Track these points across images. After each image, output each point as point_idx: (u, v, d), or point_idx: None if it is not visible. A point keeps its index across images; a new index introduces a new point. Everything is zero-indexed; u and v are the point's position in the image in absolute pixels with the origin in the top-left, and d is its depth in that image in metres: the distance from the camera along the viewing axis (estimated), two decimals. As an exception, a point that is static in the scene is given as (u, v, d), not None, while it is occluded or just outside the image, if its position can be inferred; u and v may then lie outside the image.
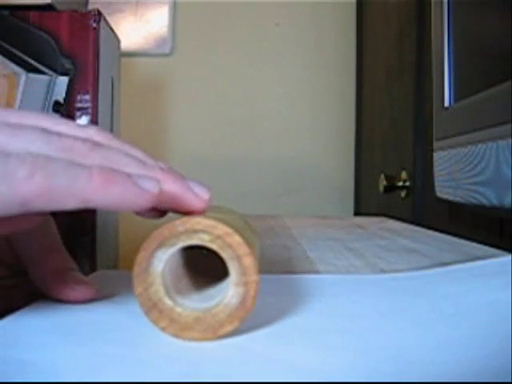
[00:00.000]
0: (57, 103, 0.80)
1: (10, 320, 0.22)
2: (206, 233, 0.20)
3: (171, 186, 0.22)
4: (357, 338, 0.21)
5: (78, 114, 0.81)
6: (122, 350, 0.19)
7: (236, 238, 0.20)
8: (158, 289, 0.20)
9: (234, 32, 1.52)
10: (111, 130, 0.93)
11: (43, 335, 0.20)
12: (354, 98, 1.48)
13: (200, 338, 0.20)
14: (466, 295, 0.27)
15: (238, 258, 0.20)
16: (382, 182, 1.03)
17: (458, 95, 0.63)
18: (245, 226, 0.25)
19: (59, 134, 0.21)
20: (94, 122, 0.83)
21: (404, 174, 1.00)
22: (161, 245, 0.20)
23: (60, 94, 0.81)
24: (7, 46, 0.80)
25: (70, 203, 0.19)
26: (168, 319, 0.20)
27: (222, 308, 0.20)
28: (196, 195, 0.22)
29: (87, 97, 0.81)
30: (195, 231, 0.20)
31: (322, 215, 1.06)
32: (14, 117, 0.22)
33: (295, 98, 1.51)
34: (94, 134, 0.23)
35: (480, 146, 0.53)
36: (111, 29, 0.91)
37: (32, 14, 0.79)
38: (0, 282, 0.28)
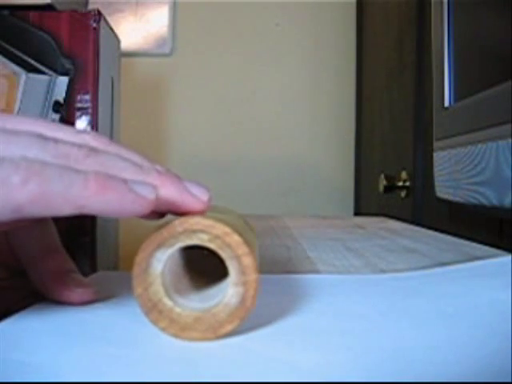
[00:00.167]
0: (57, 103, 0.80)
1: (9, 322, 0.22)
2: (205, 233, 0.20)
3: (169, 190, 0.22)
4: (357, 338, 0.21)
5: (77, 114, 0.81)
6: (122, 350, 0.19)
7: (235, 238, 0.20)
8: (158, 289, 0.20)
9: (234, 32, 1.52)
10: (111, 130, 0.93)
11: (43, 337, 0.20)
12: (354, 98, 1.48)
13: (200, 338, 0.20)
14: (466, 295, 0.27)
15: (237, 258, 0.20)
16: (382, 182, 1.03)
17: (458, 95, 0.63)
18: (244, 226, 0.25)
19: (55, 140, 0.21)
20: (93, 122, 0.83)
21: (404, 174, 1.00)
22: (160, 245, 0.20)
23: (60, 94, 0.81)
24: (7, 46, 0.80)
25: (65, 209, 0.19)
26: (168, 319, 0.20)
27: (222, 308, 0.20)
28: (195, 197, 0.22)
29: (87, 97, 0.81)
30: (194, 231, 0.20)
31: (322, 215, 1.06)
32: (10, 123, 0.22)
33: (295, 98, 1.51)
34: (90, 139, 0.23)
35: (480, 146, 0.53)
36: (111, 29, 0.91)
37: (32, 14, 0.79)
38: (4, 283, 0.28)
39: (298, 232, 0.62)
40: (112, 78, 0.93)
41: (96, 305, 0.25)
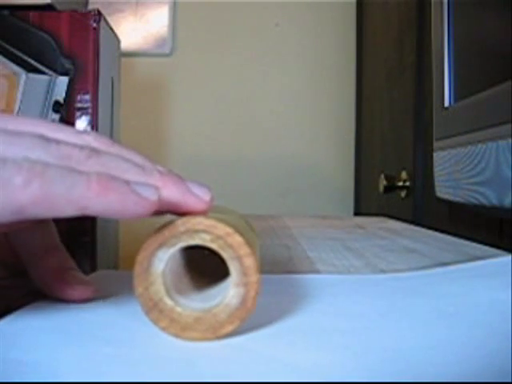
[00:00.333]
0: (57, 103, 0.80)
1: (7, 321, 0.22)
2: (207, 233, 0.20)
3: (171, 191, 0.22)
4: (357, 338, 0.21)
5: (77, 114, 0.81)
6: (121, 350, 0.19)
7: (237, 239, 0.20)
8: (159, 289, 0.20)
9: (234, 32, 1.52)
10: (111, 130, 0.93)
11: (42, 336, 0.20)
12: (354, 98, 1.48)
13: (200, 338, 0.20)
14: (466, 295, 0.27)
15: (239, 259, 0.20)
16: (382, 182, 1.03)
17: (458, 95, 0.63)
18: (245, 226, 0.25)
19: (57, 142, 0.21)
20: (93, 122, 0.83)
21: (404, 174, 1.00)
22: (162, 245, 0.20)
23: (60, 94, 0.81)
24: (7, 46, 0.80)
25: (68, 210, 0.19)
26: (168, 319, 0.20)
27: (223, 308, 0.20)
28: (197, 197, 0.22)
29: (87, 97, 0.81)
30: (196, 231, 0.20)
31: (322, 215, 1.06)
32: (12, 123, 0.22)
33: (295, 98, 1.51)
34: (91, 140, 0.23)
35: (480, 146, 0.53)
36: (111, 29, 0.91)
37: (32, 14, 0.79)
38: (4, 282, 0.28)
39: (298, 232, 0.62)
40: (112, 78, 0.93)
41: (95, 303, 0.25)
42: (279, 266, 0.39)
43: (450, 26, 0.64)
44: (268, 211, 1.37)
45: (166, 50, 1.51)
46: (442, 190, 0.65)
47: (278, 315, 0.23)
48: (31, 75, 0.78)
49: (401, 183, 1.00)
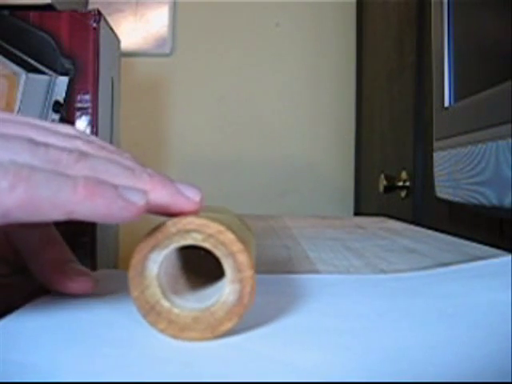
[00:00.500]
0: (57, 103, 0.80)
1: (7, 321, 0.22)
2: (199, 232, 0.20)
3: (161, 193, 0.22)
4: (356, 338, 0.21)
5: (77, 114, 0.81)
6: (121, 350, 0.19)
7: (229, 236, 0.20)
8: (155, 291, 0.20)
9: (234, 32, 1.52)
10: (111, 130, 0.93)
11: (42, 337, 0.20)
12: (354, 98, 1.48)
13: (199, 338, 0.20)
14: (466, 295, 0.27)
15: (232, 255, 0.20)
16: (382, 182, 1.04)
17: (458, 95, 0.63)
18: (239, 224, 0.25)
19: (46, 145, 0.21)
20: (93, 122, 0.83)
21: (404, 174, 1.00)
22: (154, 247, 0.20)
23: (60, 94, 0.81)
24: (7, 46, 0.80)
25: (53, 215, 0.19)
26: (166, 321, 0.20)
27: (220, 306, 0.20)
28: (187, 198, 0.22)
29: (87, 97, 0.81)
30: (187, 231, 0.20)
31: (322, 215, 1.06)
32: (1, 126, 0.22)
33: (295, 98, 1.52)
34: (81, 143, 0.23)
35: (480, 145, 0.53)
36: (111, 29, 0.91)
37: (32, 14, 0.79)
38: (0, 279, 0.28)
39: (298, 232, 0.62)
40: (112, 78, 0.93)
41: (96, 303, 0.25)
42: (279, 266, 0.39)
43: (450, 25, 0.64)
44: (268, 211, 1.37)
45: (166, 50, 1.51)
46: (442, 190, 0.65)
47: (277, 315, 0.23)
48: (31, 75, 0.78)
49: (401, 183, 1.00)
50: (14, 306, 0.24)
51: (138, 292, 0.20)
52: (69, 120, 0.81)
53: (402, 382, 0.16)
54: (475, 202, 0.54)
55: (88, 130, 0.83)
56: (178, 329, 0.20)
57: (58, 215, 0.19)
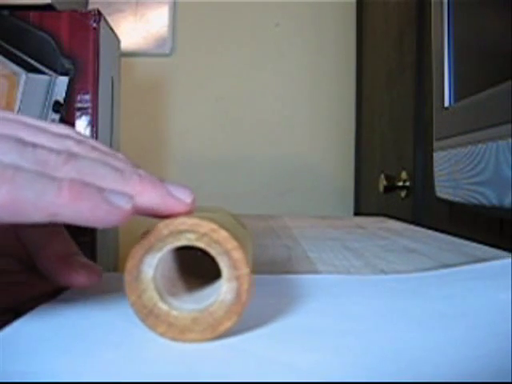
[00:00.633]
0: (57, 103, 0.80)
1: (10, 330, 0.22)
2: (192, 232, 0.20)
3: (151, 195, 0.22)
4: (357, 339, 0.21)
5: (77, 114, 0.81)
6: (122, 356, 0.19)
7: (222, 233, 0.20)
8: (152, 295, 0.20)
9: (234, 32, 1.52)
10: (111, 130, 0.93)
11: (44, 346, 0.20)
12: (354, 98, 1.49)
13: (200, 339, 0.20)
14: (466, 297, 0.27)
15: (227, 253, 0.20)
16: (382, 182, 1.04)
17: (458, 95, 0.63)
18: (232, 222, 0.25)
19: (34, 146, 0.21)
20: (93, 122, 0.83)
21: (404, 174, 1.00)
22: (148, 250, 0.20)
23: (60, 94, 0.81)
24: (7, 46, 0.80)
25: (36, 217, 0.19)
26: (166, 324, 0.20)
27: (218, 305, 0.20)
28: (177, 200, 0.22)
29: (87, 97, 0.81)
30: (180, 232, 0.20)
31: (322, 215, 1.06)
32: None
33: (295, 98, 1.52)
34: (72, 144, 0.23)
35: (480, 145, 0.53)
36: (111, 29, 0.91)
37: (32, 14, 0.79)
38: (11, 277, 0.29)
39: (298, 232, 0.62)
40: (112, 78, 0.93)
41: (96, 308, 0.25)
42: (279, 266, 0.39)
43: (450, 26, 0.64)
44: (268, 211, 1.37)
45: (166, 50, 1.51)
46: (442, 190, 0.65)
47: (277, 315, 0.23)
48: (31, 75, 0.78)
49: (401, 183, 1.00)
50: (25, 304, 0.24)
51: (134, 297, 0.20)
52: (69, 120, 0.81)
53: (401, 382, 0.16)
54: (475, 202, 0.54)
55: (88, 130, 0.83)
56: (177, 331, 0.20)
57: (41, 217, 0.19)
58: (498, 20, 0.55)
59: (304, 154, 1.51)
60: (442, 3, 0.65)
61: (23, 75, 0.79)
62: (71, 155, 0.21)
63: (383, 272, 0.37)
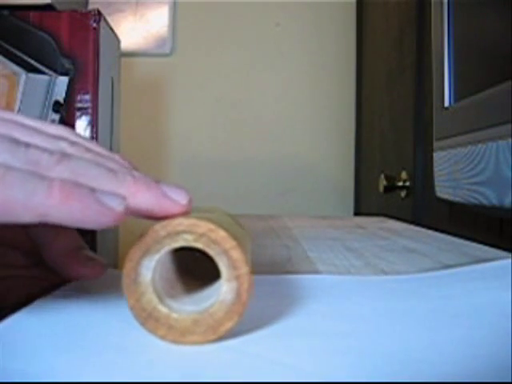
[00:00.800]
0: (57, 103, 0.80)
1: (7, 325, 0.22)
2: (189, 233, 0.20)
3: (145, 196, 0.21)
4: (359, 340, 0.21)
5: (77, 114, 0.81)
6: (121, 358, 0.19)
7: (220, 233, 0.20)
8: (151, 297, 0.20)
9: (234, 32, 1.52)
10: (111, 130, 0.93)
11: (43, 343, 0.20)
12: (354, 98, 1.48)
13: (201, 341, 0.20)
14: (467, 297, 0.27)
15: (226, 253, 0.20)
16: (382, 182, 1.04)
17: (458, 95, 0.63)
18: (230, 221, 0.24)
19: (27, 145, 0.21)
20: (93, 122, 0.83)
21: (404, 174, 1.00)
22: (146, 253, 0.20)
23: (60, 94, 0.81)
24: (7, 46, 0.80)
25: (25, 217, 0.19)
26: (166, 327, 0.20)
27: (219, 306, 0.20)
28: (173, 201, 0.22)
29: (87, 97, 0.81)
30: (178, 233, 0.20)
31: (322, 215, 1.06)
32: None
33: (295, 98, 1.52)
34: (66, 145, 0.22)
35: (480, 146, 0.53)
36: (111, 29, 0.91)
37: (32, 14, 0.79)
38: (20, 271, 0.29)
39: (298, 232, 0.62)
40: (112, 78, 0.93)
41: (95, 306, 0.25)
42: (279, 266, 0.39)
43: (450, 26, 0.64)
44: (268, 211, 1.37)
45: (166, 50, 1.51)
46: (442, 190, 0.65)
47: (278, 317, 0.23)
48: (31, 75, 0.78)
49: (401, 183, 1.00)
50: (36, 297, 0.25)
51: (133, 300, 0.20)
52: (69, 120, 0.81)
53: (403, 382, 0.16)
54: (475, 202, 0.54)
55: (88, 130, 0.83)
56: (178, 334, 0.20)
57: (31, 217, 0.19)
58: (498, 20, 0.55)
59: (304, 154, 1.51)
60: (441, 3, 0.65)
61: (23, 75, 0.79)
62: (64, 155, 0.21)
63: (383, 272, 0.37)
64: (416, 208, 0.94)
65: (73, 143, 0.23)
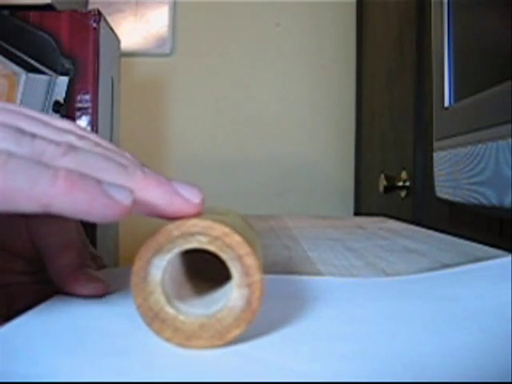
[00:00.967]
0: (57, 103, 0.80)
1: (9, 329, 0.21)
2: (204, 235, 0.19)
3: (154, 192, 0.20)
4: (365, 344, 0.20)
5: (77, 113, 0.81)
6: (124, 360, 0.18)
7: (235, 238, 0.19)
8: (159, 298, 0.19)
9: (234, 32, 1.52)
10: (111, 130, 0.93)
11: (44, 346, 0.20)
12: (354, 98, 1.48)
13: (207, 346, 0.19)
14: (470, 297, 0.27)
15: (239, 259, 0.19)
16: (382, 182, 1.04)
17: (458, 95, 0.63)
18: (244, 225, 0.24)
19: (33, 136, 0.20)
20: (93, 122, 0.83)
21: (404, 174, 1.00)
22: (157, 252, 0.19)
23: (60, 94, 0.81)
24: (7, 46, 0.80)
25: (28, 207, 0.18)
26: (172, 329, 0.19)
27: (227, 312, 0.19)
28: (186, 200, 0.21)
29: (87, 97, 0.81)
30: (192, 234, 0.19)
31: (322, 215, 1.06)
32: None
33: (295, 98, 1.52)
34: (74, 139, 0.21)
35: (480, 146, 0.53)
36: (111, 29, 0.91)
37: (32, 14, 0.79)
38: (24, 277, 0.29)
39: (298, 232, 0.62)
40: (112, 78, 0.93)
41: (99, 308, 0.25)
42: (279, 266, 0.39)
43: (450, 26, 0.64)
44: (268, 211, 1.37)
45: (166, 50, 1.51)
46: (442, 190, 0.65)
47: (283, 321, 0.23)
48: (31, 75, 0.78)
49: (401, 183, 1.00)
50: (37, 304, 0.25)
51: (140, 299, 0.19)
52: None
53: (404, 382, 0.16)
54: (475, 202, 0.54)
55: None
56: (184, 337, 0.19)
57: (33, 208, 0.18)
58: (498, 20, 0.55)
59: (304, 153, 1.51)
60: (441, 3, 0.65)
61: (23, 75, 0.79)
62: (71, 147, 0.20)
63: (383, 272, 0.37)
64: (416, 208, 0.94)
65: (81, 137, 0.22)
